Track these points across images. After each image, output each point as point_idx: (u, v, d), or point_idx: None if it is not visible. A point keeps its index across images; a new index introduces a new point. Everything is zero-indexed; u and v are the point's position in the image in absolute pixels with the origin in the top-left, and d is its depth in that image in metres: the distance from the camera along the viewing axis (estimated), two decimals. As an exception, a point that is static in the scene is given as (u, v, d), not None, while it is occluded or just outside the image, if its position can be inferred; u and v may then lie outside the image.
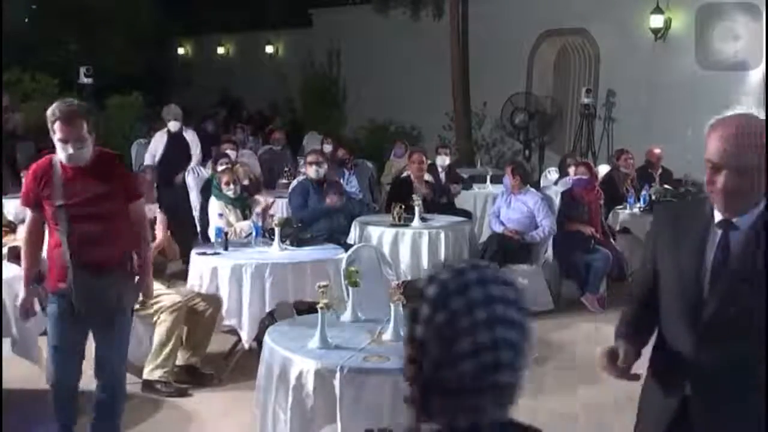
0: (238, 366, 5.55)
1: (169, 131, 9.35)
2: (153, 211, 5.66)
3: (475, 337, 1.33)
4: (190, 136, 9.47)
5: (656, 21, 12.13)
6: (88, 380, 4.06)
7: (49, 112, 3.83)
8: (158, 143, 9.41)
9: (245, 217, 6.68)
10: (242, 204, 6.78)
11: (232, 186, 6.71)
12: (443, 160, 9.47)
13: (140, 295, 4.29)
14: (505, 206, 7.60)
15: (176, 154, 9.23)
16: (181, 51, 24.41)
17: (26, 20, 19.61)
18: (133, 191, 4.13)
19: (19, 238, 6.80)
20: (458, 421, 1.34)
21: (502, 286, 1.38)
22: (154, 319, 5.24)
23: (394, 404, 3.32)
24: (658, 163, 9.38)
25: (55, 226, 3.92)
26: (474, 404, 1.35)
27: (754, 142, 2.17)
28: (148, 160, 9.33)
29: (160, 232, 5.66)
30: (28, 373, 4.98)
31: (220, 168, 7.69)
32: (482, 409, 1.35)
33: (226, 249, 6.01)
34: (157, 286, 5.37)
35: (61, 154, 3.88)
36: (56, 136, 3.83)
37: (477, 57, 14.08)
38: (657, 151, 9.43)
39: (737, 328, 2.24)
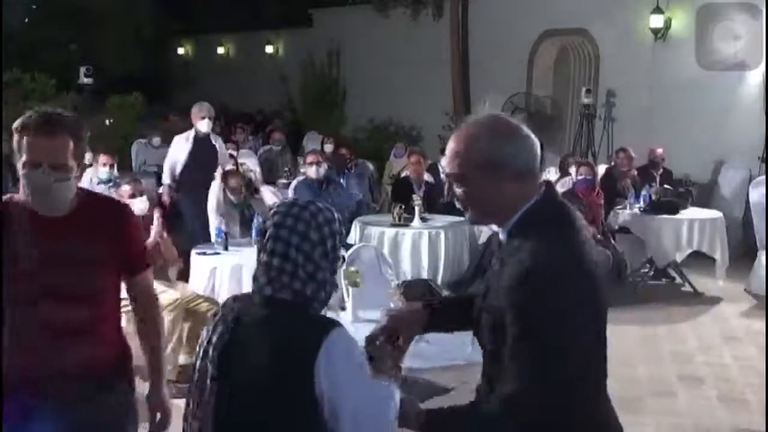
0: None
1: (197, 133, 7.92)
2: (143, 210, 5.62)
3: (265, 232, 2.07)
4: (220, 143, 8.22)
5: (656, 21, 12.12)
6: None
7: (16, 122, 2.49)
8: (180, 149, 7.96)
9: (244, 217, 6.68)
10: (242, 205, 6.79)
11: (238, 193, 6.73)
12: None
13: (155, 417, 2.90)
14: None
15: (204, 161, 7.83)
16: (181, 51, 24.40)
17: (26, 20, 19.61)
18: (140, 258, 2.80)
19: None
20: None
21: (296, 219, 2.03)
22: (153, 319, 5.23)
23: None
24: (661, 163, 9.38)
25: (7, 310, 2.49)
26: (258, 276, 2.06)
27: (468, 149, 1.97)
28: (167, 172, 8.08)
29: (153, 231, 5.59)
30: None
31: (226, 167, 7.70)
32: (258, 280, 2.04)
33: (226, 249, 6.02)
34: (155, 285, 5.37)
35: (27, 191, 2.50)
36: (23, 159, 2.46)
37: (477, 57, 14.08)
38: (659, 150, 9.44)
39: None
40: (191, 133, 7.95)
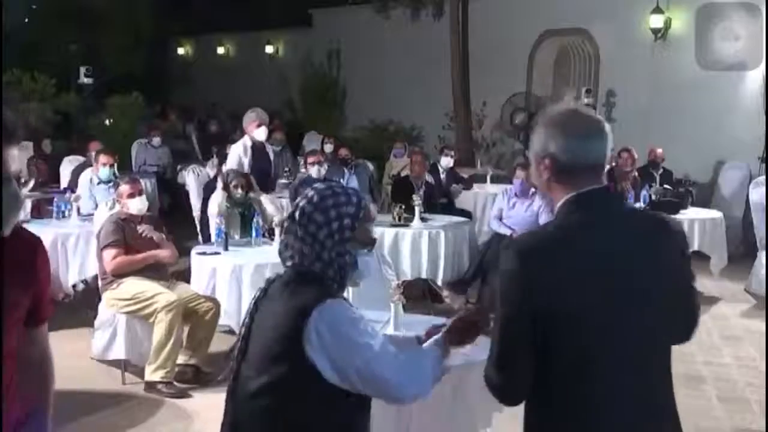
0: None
1: (254, 142, 7.24)
2: (142, 210, 5.64)
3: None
4: (272, 151, 7.65)
5: (656, 21, 12.13)
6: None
7: None
8: (240, 158, 7.27)
9: (244, 217, 6.67)
10: (242, 205, 6.78)
11: (240, 190, 6.73)
12: (447, 162, 9.50)
13: None
14: (507, 208, 7.56)
15: (263, 172, 7.20)
16: (181, 51, 24.40)
17: (26, 20, 19.62)
18: (44, 306, 2.16)
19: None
20: None
21: (307, 201, 2.20)
22: (151, 319, 5.23)
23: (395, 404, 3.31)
24: (661, 162, 9.38)
25: None
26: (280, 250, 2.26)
27: (532, 138, 2.09)
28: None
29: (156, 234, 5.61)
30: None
31: (225, 168, 7.68)
32: (281, 254, 2.24)
33: (226, 249, 6.01)
34: (153, 286, 5.37)
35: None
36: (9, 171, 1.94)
37: (477, 57, 14.08)
38: (660, 150, 9.44)
39: None
40: (247, 143, 7.24)
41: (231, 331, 5.75)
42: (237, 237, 6.50)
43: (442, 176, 9.36)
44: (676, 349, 2.06)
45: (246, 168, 7.19)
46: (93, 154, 9.04)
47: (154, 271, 5.50)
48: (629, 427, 1.94)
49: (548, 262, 1.90)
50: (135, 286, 5.34)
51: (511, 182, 7.94)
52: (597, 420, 1.92)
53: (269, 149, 7.69)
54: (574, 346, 1.90)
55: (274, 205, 7.15)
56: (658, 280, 1.97)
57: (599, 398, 1.91)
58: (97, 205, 6.93)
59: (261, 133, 7.22)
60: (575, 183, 1.99)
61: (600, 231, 1.96)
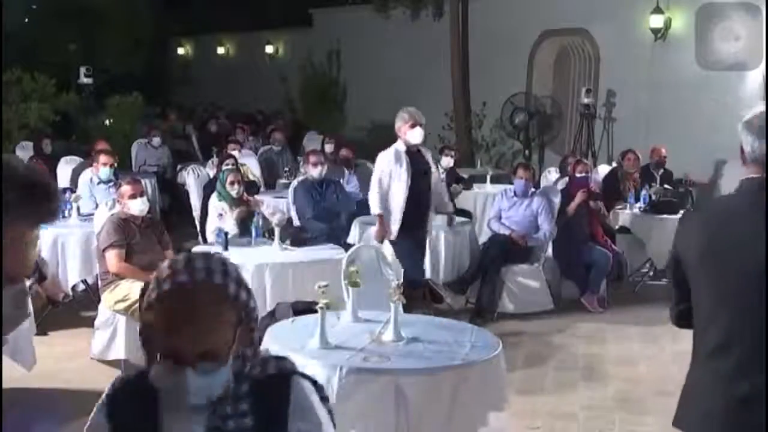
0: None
1: (408, 147, 6.02)
2: (143, 211, 5.66)
3: None
4: (430, 157, 6.37)
5: (656, 21, 12.13)
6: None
7: None
8: (394, 175, 6.06)
9: (243, 219, 6.67)
10: (238, 203, 6.79)
11: (236, 186, 6.73)
12: (447, 162, 9.50)
13: None
14: (507, 208, 7.55)
15: (420, 185, 6.10)
16: (181, 51, 24.42)
17: (26, 20, 19.63)
18: None
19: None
20: None
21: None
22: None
23: (395, 404, 3.32)
24: (663, 162, 9.39)
25: None
26: None
27: None
28: (377, 201, 6.15)
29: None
30: (21, 373, 4.92)
31: (225, 167, 7.69)
32: None
33: (226, 249, 6.01)
34: (141, 287, 5.36)
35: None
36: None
37: (477, 57, 14.09)
38: (663, 150, 9.45)
39: None
40: (400, 148, 6.04)
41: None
42: (236, 230, 6.48)
43: (442, 176, 9.35)
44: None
45: (404, 185, 5.98)
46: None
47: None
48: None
49: (700, 224, 2.49)
50: (127, 287, 5.35)
51: (511, 182, 7.94)
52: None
53: (428, 157, 6.25)
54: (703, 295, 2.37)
55: (273, 207, 7.15)
56: None
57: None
58: (97, 205, 6.93)
59: (417, 135, 5.96)
60: (757, 168, 2.36)
61: (754, 211, 2.30)
